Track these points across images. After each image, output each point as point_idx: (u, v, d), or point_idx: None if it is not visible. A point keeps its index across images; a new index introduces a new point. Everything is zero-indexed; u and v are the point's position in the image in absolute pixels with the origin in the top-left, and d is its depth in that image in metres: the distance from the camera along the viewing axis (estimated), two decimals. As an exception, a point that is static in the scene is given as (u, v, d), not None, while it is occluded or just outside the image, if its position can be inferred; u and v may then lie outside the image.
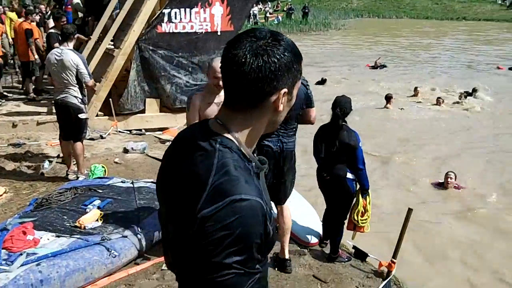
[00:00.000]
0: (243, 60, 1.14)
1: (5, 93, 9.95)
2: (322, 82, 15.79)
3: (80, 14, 10.89)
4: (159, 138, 8.40)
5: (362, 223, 4.65)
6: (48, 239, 4.01)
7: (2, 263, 3.60)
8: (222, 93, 3.54)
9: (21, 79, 11.33)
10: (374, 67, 19.19)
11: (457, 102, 13.67)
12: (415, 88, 14.65)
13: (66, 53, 5.68)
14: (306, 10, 35.99)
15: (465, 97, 13.79)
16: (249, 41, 1.17)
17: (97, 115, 8.49)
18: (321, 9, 42.16)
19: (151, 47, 8.53)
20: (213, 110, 3.66)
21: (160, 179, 1.36)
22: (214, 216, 1.07)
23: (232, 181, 1.10)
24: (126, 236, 4.14)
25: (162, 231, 1.37)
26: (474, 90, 14.25)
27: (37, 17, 10.55)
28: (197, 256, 1.10)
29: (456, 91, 14.80)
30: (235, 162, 1.15)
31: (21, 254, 3.69)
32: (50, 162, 6.69)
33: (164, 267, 3.97)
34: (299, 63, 1.23)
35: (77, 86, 5.78)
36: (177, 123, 8.96)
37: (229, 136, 1.21)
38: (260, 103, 1.19)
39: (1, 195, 5.57)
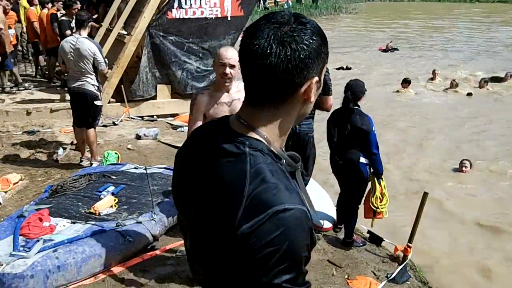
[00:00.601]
0: (268, 51, 1.01)
1: (26, 84, 9.95)
2: (346, 69, 15.57)
3: None
4: (171, 124, 8.42)
5: (382, 208, 4.62)
6: (64, 225, 4.04)
7: (20, 249, 3.63)
8: (232, 91, 3.26)
9: (34, 68, 11.36)
10: (386, 50, 19.00)
11: (479, 87, 13.27)
12: (433, 71, 14.29)
13: (82, 41, 5.66)
14: (317, -6, 35.58)
15: (486, 82, 13.33)
16: (272, 28, 1.03)
17: (109, 102, 8.50)
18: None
19: (161, 33, 8.50)
20: (222, 112, 3.21)
21: (177, 185, 1.24)
22: (257, 231, 0.95)
23: (271, 189, 0.98)
24: (140, 222, 4.16)
25: (185, 241, 1.25)
26: (497, 78, 13.83)
27: (49, 5, 10.50)
28: (240, 276, 0.99)
29: (474, 74, 14.48)
30: (270, 166, 1.03)
31: (38, 241, 3.73)
32: (64, 149, 6.73)
33: (178, 253, 3.99)
34: (327, 46, 1.10)
35: (94, 74, 5.80)
36: (188, 109, 8.90)
37: (256, 136, 1.08)
38: (290, 96, 1.06)
39: (17, 182, 5.62)
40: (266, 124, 1.09)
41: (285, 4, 34.58)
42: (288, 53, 1.01)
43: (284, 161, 1.11)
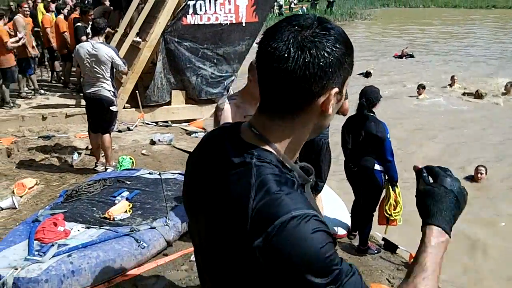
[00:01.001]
0: (286, 55, 0.95)
1: (42, 90, 10.07)
2: (366, 75, 15.16)
3: None
4: (185, 130, 8.46)
5: (396, 216, 4.57)
6: (78, 230, 4.06)
7: (35, 254, 3.65)
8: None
9: (49, 73, 11.50)
10: (401, 56, 18.88)
11: (504, 94, 12.85)
12: (452, 77, 14.03)
13: (98, 47, 5.69)
14: (331, 0, 35.53)
15: None
16: (292, 31, 0.97)
17: (124, 107, 8.57)
18: (347, -1, 41.58)
19: (176, 39, 8.55)
20: None
21: (187, 190, 1.20)
22: (269, 247, 0.91)
23: (275, 200, 0.93)
24: (154, 227, 4.16)
25: (194, 246, 1.21)
26: None
27: (65, 11, 10.62)
28: None
29: (494, 81, 14.21)
30: (276, 177, 0.97)
31: (52, 245, 3.74)
32: (79, 154, 6.79)
33: (192, 258, 3.98)
34: (352, 56, 1.03)
35: (110, 79, 5.83)
36: (202, 115, 9.01)
37: (266, 147, 1.03)
38: (306, 106, 1.00)
39: (33, 187, 5.68)
40: (278, 135, 1.03)
41: (300, 10, 34.63)
42: (306, 59, 0.95)
43: (297, 174, 1.05)
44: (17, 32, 8.72)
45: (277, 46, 0.96)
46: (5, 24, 8.67)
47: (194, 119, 9.00)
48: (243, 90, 3.01)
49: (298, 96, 0.98)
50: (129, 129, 8.11)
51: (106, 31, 6.13)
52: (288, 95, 0.98)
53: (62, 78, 10.79)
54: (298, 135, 1.05)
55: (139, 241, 3.93)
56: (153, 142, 7.39)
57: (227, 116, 2.87)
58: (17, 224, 4.55)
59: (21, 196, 5.46)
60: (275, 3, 28.90)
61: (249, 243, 0.92)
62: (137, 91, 8.65)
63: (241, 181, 0.98)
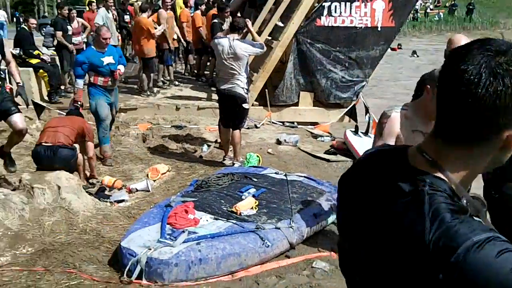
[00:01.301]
0: (476, 79, 0.88)
1: (176, 82, 10.69)
2: None
3: None
4: (311, 133, 8.39)
5: None
6: (207, 220, 4.19)
7: (167, 237, 3.83)
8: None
9: (183, 66, 12.15)
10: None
11: None
12: None
13: (236, 44, 5.78)
14: (471, 7, 33.32)
15: None
16: (485, 55, 0.90)
17: (252, 105, 8.74)
18: (489, 7, 38.62)
19: (309, 40, 8.54)
20: (415, 142, 2.47)
21: (342, 212, 1.18)
22: (456, 278, 0.85)
23: (451, 229, 0.88)
24: (279, 228, 4.13)
25: (342, 265, 1.18)
26: None
27: (203, 7, 11.11)
28: None
29: None
30: (449, 206, 0.91)
31: (183, 232, 3.90)
32: (209, 146, 7.04)
33: (314, 264, 3.90)
34: None
35: (244, 76, 5.95)
36: (329, 119, 8.91)
37: (439, 175, 0.97)
38: (488, 138, 0.93)
39: (165, 173, 6.01)
40: (453, 163, 0.97)
41: (436, 16, 33.00)
42: (499, 88, 0.87)
43: (468, 203, 0.97)
44: (157, 25, 9.30)
45: (467, 69, 0.90)
46: (148, 17, 9.31)
47: (320, 122, 8.92)
48: (417, 102, 2.71)
49: (482, 125, 0.91)
50: (256, 126, 8.24)
51: (244, 30, 6.24)
52: (472, 123, 0.91)
53: (195, 71, 11.31)
54: (474, 166, 0.98)
55: (263, 239, 3.94)
56: (279, 142, 7.42)
57: (393, 125, 2.61)
58: (151, 206, 4.82)
59: (154, 180, 5.81)
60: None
61: (432, 275, 0.87)
62: (266, 90, 8.78)
63: (413, 211, 0.93)
